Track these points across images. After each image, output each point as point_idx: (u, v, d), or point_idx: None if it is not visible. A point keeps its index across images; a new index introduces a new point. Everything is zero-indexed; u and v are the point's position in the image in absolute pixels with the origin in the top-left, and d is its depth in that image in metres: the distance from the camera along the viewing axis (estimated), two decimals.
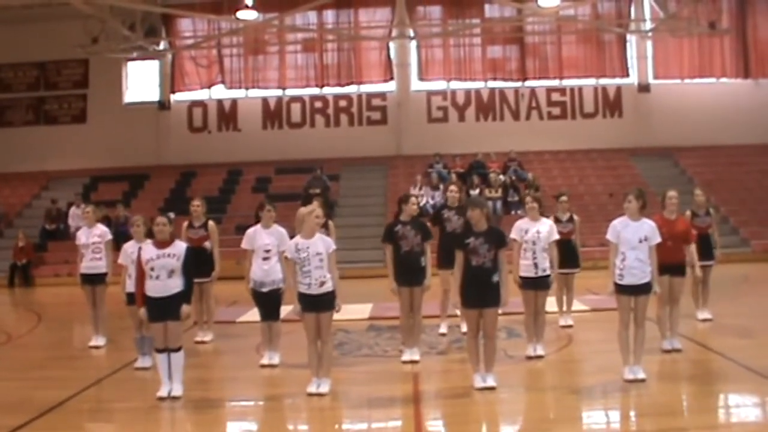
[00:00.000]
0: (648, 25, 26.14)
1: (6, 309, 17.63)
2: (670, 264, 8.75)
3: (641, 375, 7.63)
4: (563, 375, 8.64)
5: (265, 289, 8.97)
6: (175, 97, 27.55)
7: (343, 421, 7.22)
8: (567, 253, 10.53)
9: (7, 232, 23.91)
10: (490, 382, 7.57)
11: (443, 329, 10.59)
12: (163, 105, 27.48)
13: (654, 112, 26.65)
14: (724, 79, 26.85)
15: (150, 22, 25.14)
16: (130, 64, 27.58)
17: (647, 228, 7.81)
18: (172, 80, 27.35)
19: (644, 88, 26.98)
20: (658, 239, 7.83)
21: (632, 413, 7.06)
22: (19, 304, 18.25)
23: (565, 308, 11.19)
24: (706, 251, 10.86)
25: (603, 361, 8.63)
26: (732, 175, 24.45)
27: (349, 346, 10.22)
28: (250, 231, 9.21)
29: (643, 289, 7.76)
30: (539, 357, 8.97)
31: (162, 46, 26.75)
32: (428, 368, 8.80)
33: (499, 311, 7.73)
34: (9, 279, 21.31)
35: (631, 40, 26.89)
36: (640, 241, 7.71)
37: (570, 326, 10.94)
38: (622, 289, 7.76)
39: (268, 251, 8.97)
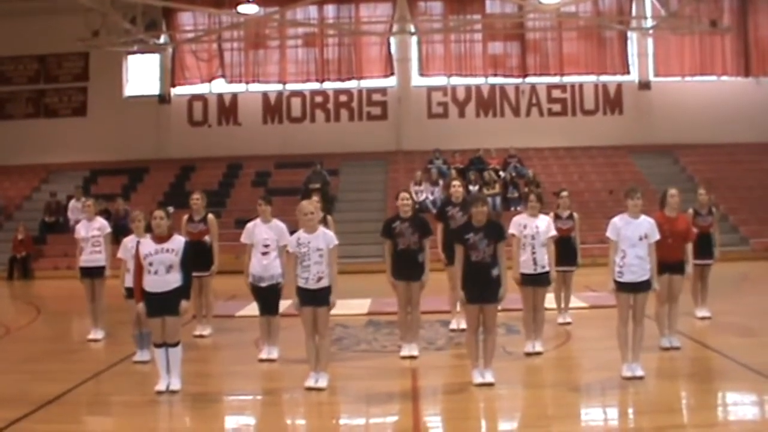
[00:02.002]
0: (649, 23, 26.11)
1: (5, 302, 17.62)
2: (670, 262, 8.76)
3: (639, 372, 7.64)
4: (561, 372, 8.65)
5: (263, 284, 8.97)
6: (175, 91, 27.50)
7: (341, 415, 7.22)
8: (566, 251, 10.52)
9: (6, 225, 23.89)
10: (489, 377, 7.57)
11: (454, 325, 10.50)
12: (163, 99, 27.44)
13: (654, 110, 26.63)
14: (724, 77, 26.82)
15: (151, 15, 25.09)
16: (130, 57, 27.53)
17: (647, 225, 7.83)
18: (172, 74, 27.30)
19: (645, 85, 26.94)
20: (658, 236, 7.85)
21: (630, 410, 7.06)
22: (18, 297, 18.24)
23: (563, 305, 11.17)
24: (707, 250, 10.86)
25: (601, 358, 8.63)
26: (732, 173, 24.42)
27: (348, 341, 10.22)
28: (249, 225, 9.22)
29: (643, 286, 7.76)
30: (538, 353, 8.97)
31: (162, 39, 26.69)
32: (426, 364, 8.80)
33: (498, 306, 7.73)
34: (8, 272, 21.29)
35: (632, 37, 26.86)
36: (641, 239, 7.72)
37: (568, 323, 10.94)
38: (621, 287, 7.77)
39: (267, 246, 8.97)
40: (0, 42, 26.35)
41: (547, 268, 9.09)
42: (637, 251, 7.70)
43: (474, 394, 7.42)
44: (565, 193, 11.31)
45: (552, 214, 10.38)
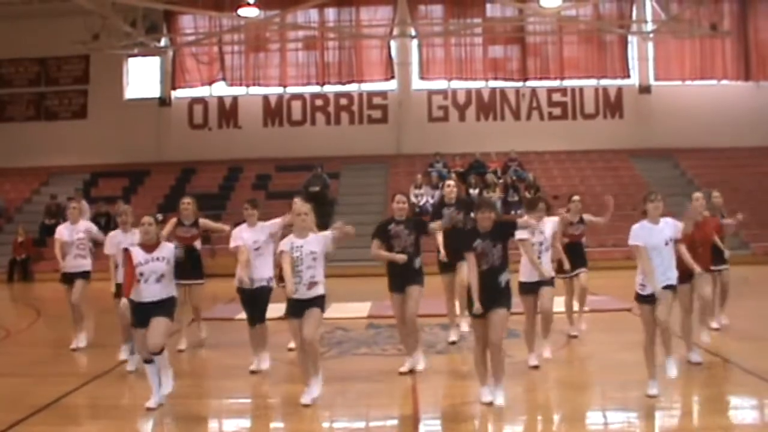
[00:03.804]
0: (649, 27, 26.15)
1: (5, 304, 17.62)
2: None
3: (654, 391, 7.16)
4: (563, 374, 8.62)
5: (249, 286, 8.48)
6: (175, 94, 27.57)
7: (340, 419, 7.20)
8: (576, 256, 10.14)
9: (6, 228, 23.90)
10: (499, 400, 6.95)
11: (454, 337, 10.16)
12: (163, 101, 27.49)
13: (655, 114, 26.65)
14: (725, 81, 26.89)
15: (151, 18, 25.16)
16: (131, 60, 27.62)
17: (671, 227, 7.24)
18: (173, 77, 27.36)
19: (645, 89, 26.99)
20: (680, 235, 7.31)
21: (633, 414, 7.03)
22: (18, 300, 18.24)
23: (563, 308, 10.94)
24: (721, 255, 10.31)
25: (602, 361, 8.61)
26: (732, 178, 24.34)
27: (348, 344, 10.22)
28: (236, 231, 8.79)
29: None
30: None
31: (163, 42, 26.76)
32: (427, 367, 8.75)
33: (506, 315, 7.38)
34: (8, 274, 21.31)
35: (633, 41, 26.90)
36: (666, 243, 7.16)
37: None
38: (644, 300, 7.19)
39: (258, 249, 8.69)
40: (0, 44, 26.41)
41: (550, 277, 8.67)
42: (663, 258, 7.13)
43: (475, 397, 7.39)
44: (576, 198, 10.63)
45: (561, 217, 10.08)
